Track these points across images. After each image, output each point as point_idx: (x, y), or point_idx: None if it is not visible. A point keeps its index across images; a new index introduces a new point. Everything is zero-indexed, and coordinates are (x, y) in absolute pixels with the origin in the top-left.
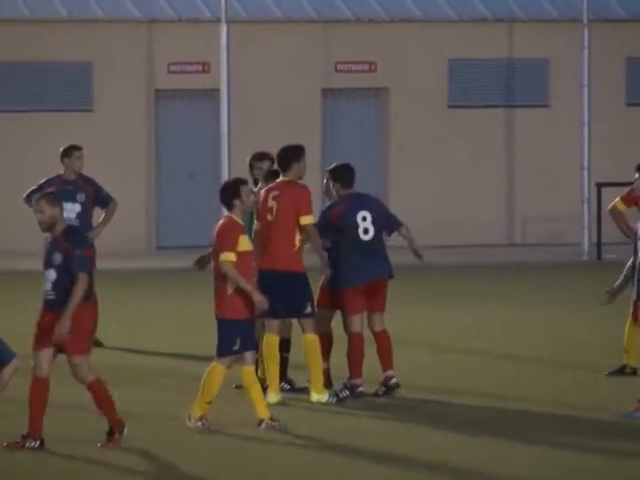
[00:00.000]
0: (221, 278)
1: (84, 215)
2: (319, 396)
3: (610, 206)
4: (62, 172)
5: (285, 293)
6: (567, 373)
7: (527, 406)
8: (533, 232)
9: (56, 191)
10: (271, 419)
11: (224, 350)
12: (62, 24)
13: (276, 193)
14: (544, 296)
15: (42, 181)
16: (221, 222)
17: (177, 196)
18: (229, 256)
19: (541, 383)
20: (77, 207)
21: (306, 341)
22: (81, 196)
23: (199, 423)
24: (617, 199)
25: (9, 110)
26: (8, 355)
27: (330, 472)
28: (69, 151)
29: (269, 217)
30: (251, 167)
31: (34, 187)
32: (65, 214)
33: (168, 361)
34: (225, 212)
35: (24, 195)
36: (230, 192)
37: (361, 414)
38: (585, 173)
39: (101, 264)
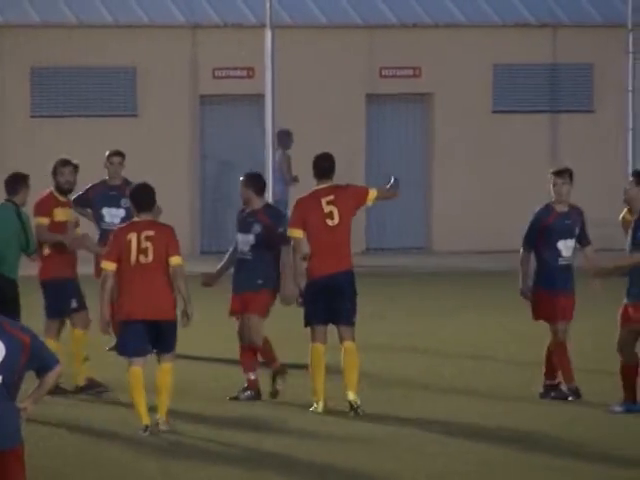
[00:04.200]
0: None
1: (128, 220)
2: (355, 395)
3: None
4: (107, 177)
5: (343, 297)
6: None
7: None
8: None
9: (100, 196)
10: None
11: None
12: (107, 29)
13: (331, 198)
14: (593, 303)
15: (87, 186)
16: (167, 226)
17: (222, 201)
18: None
19: (585, 387)
20: (121, 212)
21: (349, 347)
22: (125, 201)
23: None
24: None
25: (53, 115)
26: (52, 360)
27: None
28: (109, 157)
29: (330, 222)
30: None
31: (80, 192)
32: (109, 219)
33: (216, 366)
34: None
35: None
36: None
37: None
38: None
39: None
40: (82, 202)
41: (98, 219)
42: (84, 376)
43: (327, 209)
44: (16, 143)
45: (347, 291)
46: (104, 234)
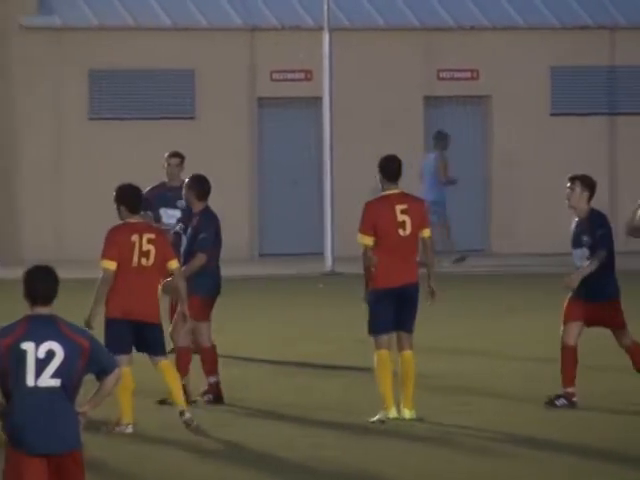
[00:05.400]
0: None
1: (183, 221)
2: (411, 412)
3: None
4: (167, 179)
5: (409, 307)
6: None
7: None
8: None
9: (158, 197)
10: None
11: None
12: (165, 32)
13: (405, 207)
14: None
15: (147, 188)
16: (161, 229)
17: (280, 203)
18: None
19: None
20: (177, 213)
21: (408, 357)
22: (182, 202)
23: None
24: None
25: (111, 118)
26: (111, 364)
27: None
28: (167, 158)
29: (402, 232)
30: None
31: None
32: (166, 219)
33: (276, 368)
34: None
35: None
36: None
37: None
38: None
39: None
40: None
41: (157, 220)
42: None
43: (400, 218)
44: (74, 146)
45: (413, 303)
46: None
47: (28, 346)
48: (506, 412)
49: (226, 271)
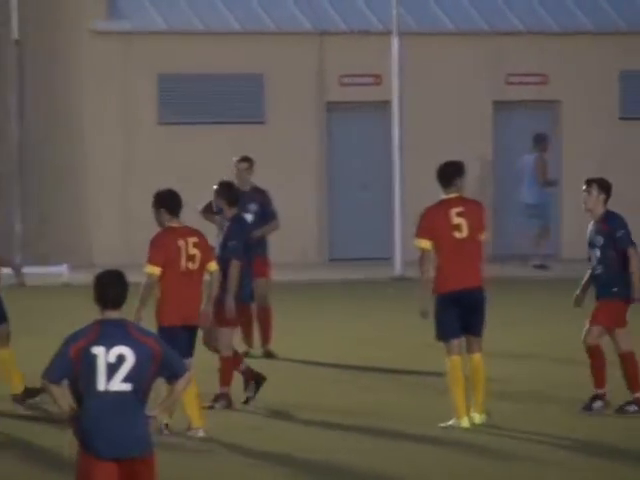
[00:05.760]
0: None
1: (256, 225)
2: (481, 416)
3: None
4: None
5: (475, 311)
6: None
7: None
8: None
9: None
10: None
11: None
12: (234, 37)
13: (461, 209)
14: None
15: None
16: (200, 231)
17: (349, 208)
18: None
19: None
20: (249, 217)
21: (478, 361)
22: (253, 206)
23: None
24: None
25: (181, 122)
26: (181, 368)
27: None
28: (236, 163)
29: (458, 235)
30: None
31: (210, 199)
32: None
33: (341, 372)
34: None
35: (200, 208)
36: None
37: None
38: None
39: (275, 276)
40: (212, 209)
41: None
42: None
43: (456, 221)
44: (144, 150)
45: (479, 306)
46: None
47: (98, 350)
48: (572, 418)
49: (296, 275)
